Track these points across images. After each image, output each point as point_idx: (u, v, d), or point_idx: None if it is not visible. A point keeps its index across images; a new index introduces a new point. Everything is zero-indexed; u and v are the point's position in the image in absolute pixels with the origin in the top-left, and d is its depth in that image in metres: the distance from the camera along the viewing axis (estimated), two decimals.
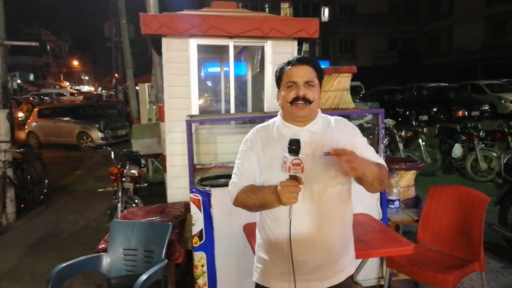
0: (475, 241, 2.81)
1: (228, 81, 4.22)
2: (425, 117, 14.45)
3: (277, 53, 3.87)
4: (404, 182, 3.49)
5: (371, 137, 7.80)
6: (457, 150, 7.28)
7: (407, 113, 14.67)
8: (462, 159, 7.36)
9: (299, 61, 1.67)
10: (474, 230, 2.84)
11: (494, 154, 6.94)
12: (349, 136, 1.72)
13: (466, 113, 14.60)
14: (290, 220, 1.53)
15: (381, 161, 1.74)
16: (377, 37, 33.35)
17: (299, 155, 1.48)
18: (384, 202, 3.17)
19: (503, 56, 24.84)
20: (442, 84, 18.35)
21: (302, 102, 1.61)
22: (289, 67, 1.67)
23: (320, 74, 1.69)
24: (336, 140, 1.67)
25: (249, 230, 2.78)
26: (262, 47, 4.02)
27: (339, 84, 3.12)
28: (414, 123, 8.32)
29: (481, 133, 7.19)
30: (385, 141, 5.30)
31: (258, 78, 4.50)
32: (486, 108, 15.24)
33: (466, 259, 2.82)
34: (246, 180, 1.71)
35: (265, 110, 4.04)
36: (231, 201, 1.75)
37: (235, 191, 1.71)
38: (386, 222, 3.17)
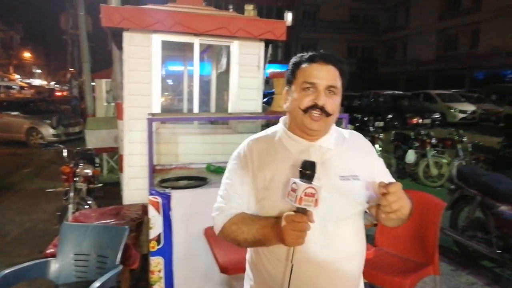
0: (430, 245, 2.90)
1: (191, 80, 4.12)
2: (381, 123, 14.93)
3: (244, 53, 3.83)
4: None
5: None
6: (411, 156, 7.58)
7: (365, 119, 15.12)
8: (414, 164, 7.66)
9: (323, 58, 1.30)
10: (429, 234, 2.93)
11: (445, 161, 7.28)
12: (367, 157, 1.40)
13: (420, 120, 15.30)
14: (292, 265, 1.21)
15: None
16: (337, 44, 34.26)
17: (313, 183, 1.14)
18: None
19: (454, 67, 26.42)
20: (397, 92, 19.12)
21: (318, 113, 1.27)
22: (309, 64, 1.31)
23: (345, 78, 1.35)
24: (353, 161, 1.35)
25: (210, 234, 2.71)
26: (228, 47, 3.96)
27: None
28: (371, 129, 8.55)
29: (433, 140, 7.52)
30: None
31: (222, 78, 4.43)
32: (437, 116, 16.04)
33: (421, 263, 2.90)
34: (236, 207, 1.35)
35: (229, 111, 3.98)
36: (216, 231, 1.41)
37: (222, 221, 1.36)
38: None
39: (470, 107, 16.68)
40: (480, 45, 25.35)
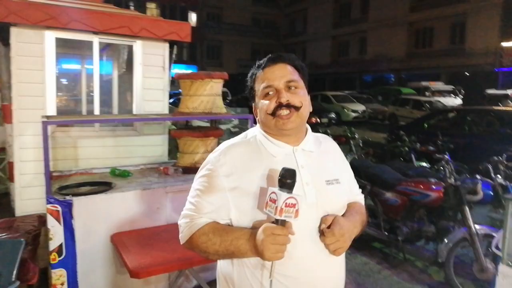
0: None
1: (90, 80, 3.91)
2: None
3: (148, 53, 3.76)
4: None
5: None
6: None
7: None
8: None
9: (271, 60, 1.29)
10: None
11: None
12: (342, 161, 1.41)
13: (318, 120, 16.45)
14: (271, 281, 1.13)
15: (362, 196, 1.49)
16: (241, 46, 35.10)
17: (294, 193, 1.08)
18: None
19: (346, 71, 29.05)
20: None
21: (286, 111, 1.22)
22: (261, 70, 1.30)
23: (304, 73, 1.32)
24: (332, 164, 1.35)
25: (118, 240, 2.63)
26: (131, 47, 3.84)
27: (212, 89, 3.18)
28: None
29: None
30: None
31: (125, 78, 4.28)
32: (333, 116, 17.47)
33: None
34: (207, 216, 1.24)
35: (134, 112, 3.87)
36: (181, 241, 1.28)
37: (190, 230, 1.24)
38: None
39: (360, 107, 18.50)
40: (367, 52, 28.26)
